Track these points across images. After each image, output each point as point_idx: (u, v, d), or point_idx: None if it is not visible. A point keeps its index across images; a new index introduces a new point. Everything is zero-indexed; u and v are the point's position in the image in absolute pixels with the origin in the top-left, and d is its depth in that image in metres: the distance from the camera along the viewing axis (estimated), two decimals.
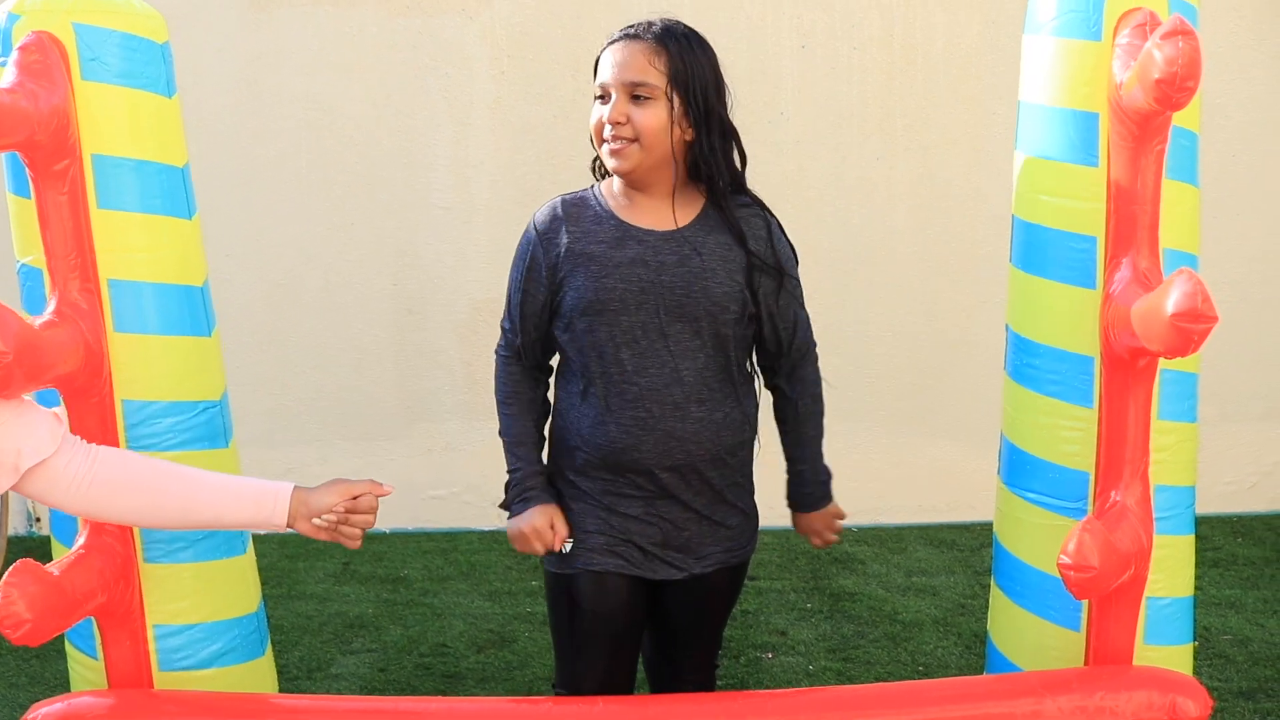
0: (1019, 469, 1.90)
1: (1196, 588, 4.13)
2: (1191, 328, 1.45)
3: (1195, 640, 1.94)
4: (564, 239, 2.00)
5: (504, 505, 2.19)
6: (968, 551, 4.46)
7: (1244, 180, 4.65)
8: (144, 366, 1.79)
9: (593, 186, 2.09)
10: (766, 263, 2.02)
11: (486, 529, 4.71)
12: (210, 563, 1.88)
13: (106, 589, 1.71)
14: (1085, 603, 1.81)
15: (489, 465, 4.69)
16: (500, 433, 2.22)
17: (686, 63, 1.94)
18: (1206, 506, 5.01)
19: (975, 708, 1.66)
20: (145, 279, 1.80)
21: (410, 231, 4.62)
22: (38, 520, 4.69)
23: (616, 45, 1.96)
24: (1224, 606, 4.06)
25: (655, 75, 1.91)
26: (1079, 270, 1.75)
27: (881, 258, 4.60)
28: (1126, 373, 1.67)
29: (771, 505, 4.86)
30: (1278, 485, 5.11)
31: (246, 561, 1.98)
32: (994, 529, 2.01)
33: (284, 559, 4.45)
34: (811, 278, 4.70)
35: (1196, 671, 3.40)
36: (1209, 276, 1.58)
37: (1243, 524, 4.92)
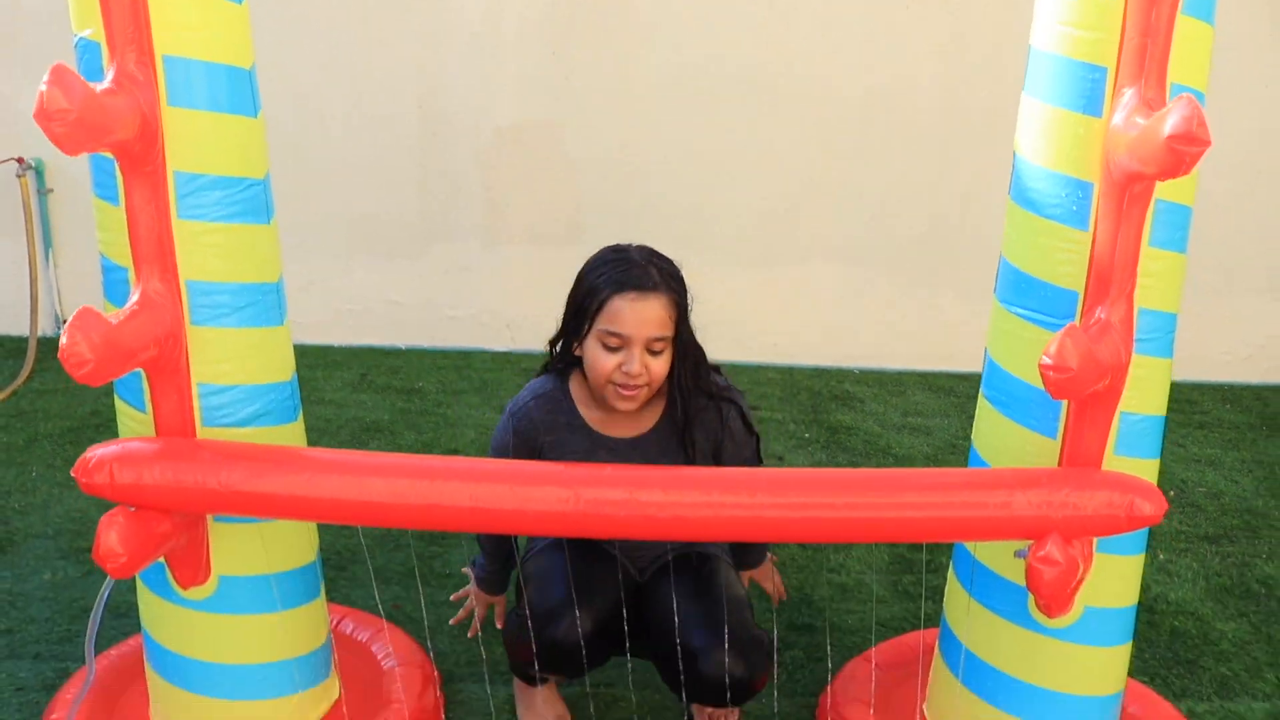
0: (1014, 287, 2.01)
1: (1178, 444, 4.31)
2: (1185, 149, 1.54)
3: (1160, 457, 2.07)
4: (542, 440, 2.27)
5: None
6: (964, 398, 4.62)
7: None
8: (194, 140, 1.89)
9: (560, 383, 2.30)
10: (709, 454, 2.31)
11: (500, 349, 4.88)
12: (252, 329, 2.01)
13: (158, 343, 1.84)
14: (1063, 412, 1.94)
15: (505, 287, 4.84)
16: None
17: (683, 306, 2.17)
18: (1199, 374, 5.18)
19: (951, 495, 1.81)
20: (197, 56, 1.88)
21: (439, 55, 4.65)
22: (64, 322, 4.84)
23: (633, 300, 2.09)
24: (1203, 464, 4.23)
25: (671, 327, 2.13)
26: (1088, 99, 1.83)
27: (901, 106, 4.64)
28: (1121, 196, 1.76)
29: (775, 343, 5.01)
30: (1271, 358, 5.23)
31: (284, 333, 2.11)
32: (986, 345, 2.13)
33: (303, 368, 4.60)
34: (829, 125, 4.78)
35: (1169, 517, 3.58)
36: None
37: (1232, 392, 5.07)
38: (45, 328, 4.81)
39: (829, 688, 2.56)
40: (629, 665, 2.46)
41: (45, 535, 3.25)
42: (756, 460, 2.42)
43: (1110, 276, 1.79)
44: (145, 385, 1.96)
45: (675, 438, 2.24)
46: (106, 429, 3.80)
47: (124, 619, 2.76)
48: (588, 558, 2.30)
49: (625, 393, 2.13)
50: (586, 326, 2.14)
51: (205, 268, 1.94)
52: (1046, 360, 1.68)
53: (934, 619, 2.91)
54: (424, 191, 4.81)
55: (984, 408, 2.14)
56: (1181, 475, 4.12)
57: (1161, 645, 2.93)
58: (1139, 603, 3.05)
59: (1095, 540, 1.98)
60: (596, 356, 2.13)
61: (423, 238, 4.88)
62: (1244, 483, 4.06)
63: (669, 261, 2.19)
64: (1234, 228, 4.86)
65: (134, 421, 2.05)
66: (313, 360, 4.72)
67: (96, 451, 1.85)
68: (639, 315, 2.08)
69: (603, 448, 2.25)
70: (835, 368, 4.89)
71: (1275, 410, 4.88)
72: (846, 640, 2.85)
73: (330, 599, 2.87)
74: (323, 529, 3.30)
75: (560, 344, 2.25)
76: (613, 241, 2.23)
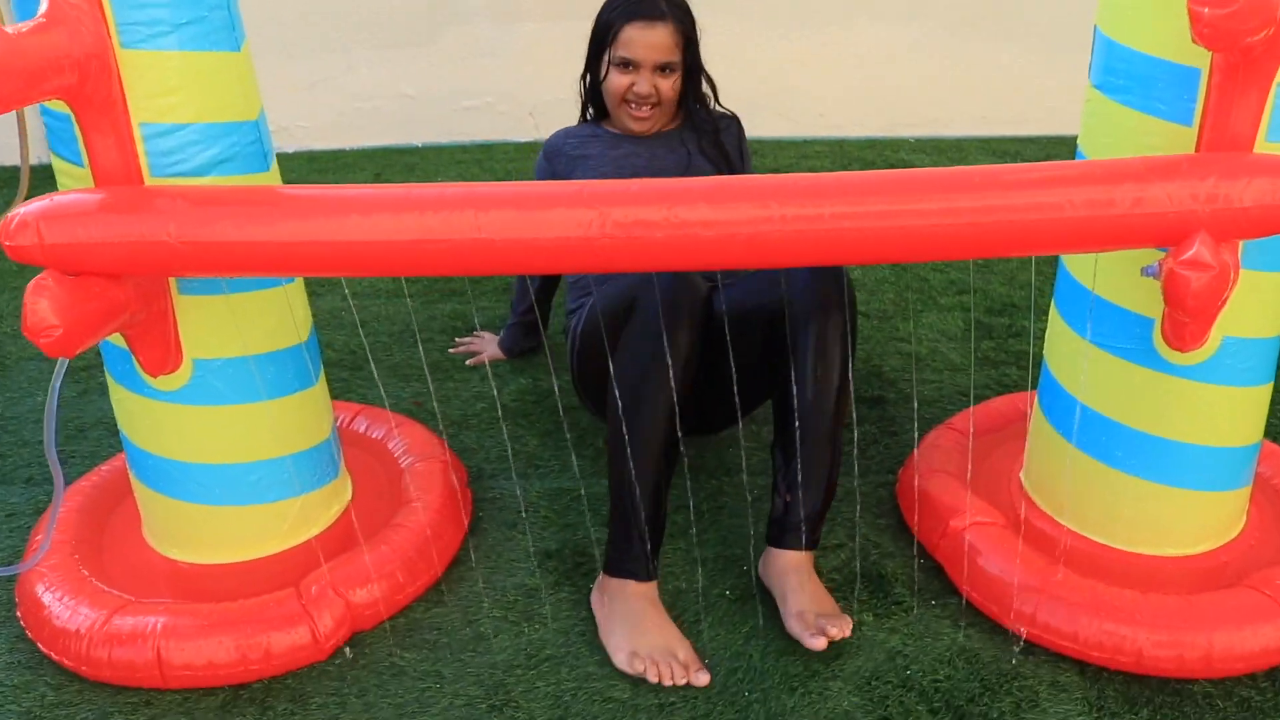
0: None
1: None
2: None
3: None
4: (565, 147, 2.40)
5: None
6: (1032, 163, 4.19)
7: None
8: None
9: (590, 124, 2.46)
10: (733, 160, 2.40)
11: (523, 140, 4.47)
12: (200, 53, 1.65)
13: (77, 67, 1.49)
14: (1201, 88, 1.55)
15: (524, 71, 4.41)
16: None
17: (690, 35, 2.29)
18: None
19: (1071, 191, 1.43)
20: None
21: None
22: None
23: (642, 28, 2.24)
24: None
25: (678, 52, 2.28)
26: None
27: None
28: None
29: (821, 113, 4.57)
30: None
31: (243, 60, 1.74)
32: (1095, 18, 1.73)
33: (314, 173, 4.26)
34: None
35: None
36: None
37: None
38: (38, 154, 4.48)
39: (910, 460, 2.24)
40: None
41: (38, 358, 2.96)
42: None
43: None
44: (78, 131, 1.61)
45: (703, 133, 2.38)
46: None
47: (113, 439, 2.50)
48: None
49: (637, 113, 2.31)
50: (605, 58, 2.31)
51: None
52: None
53: (1020, 385, 2.59)
54: None
55: (1095, 100, 1.75)
56: None
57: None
58: None
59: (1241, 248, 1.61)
60: (611, 80, 2.31)
61: (430, 22, 4.43)
62: None
63: None
64: None
65: (72, 180, 1.72)
66: (323, 165, 4.36)
67: (21, 210, 1.53)
68: (647, 40, 2.25)
69: (627, 141, 2.37)
70: (888, 138, 4.46)
71: None
72: (924, 412, 2.53)
73: (345, 399, 2.59)
74: (334, 328, 3.03)
75: (587, 80, 2.41)
76: None
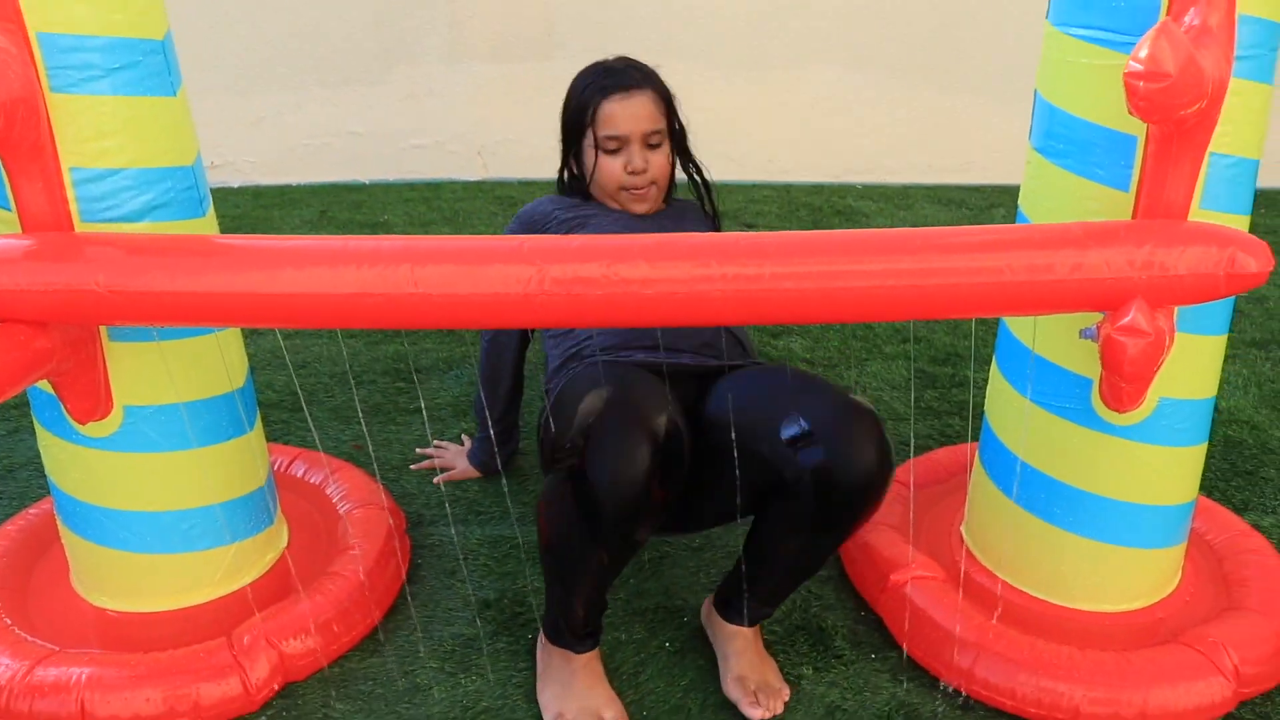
0: (1075, 3, 1.62)
1: None
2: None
3: (1252, 214, 1.71)
4: (552, 212, 2.18)
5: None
6: (977, 211, 4.26)
7: None
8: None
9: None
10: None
11: (471, 179, 4.46)
12: (135, 98, 1.62)
13: (3, 112, 1.45)
14: (1137, 155, 1.57)
15: (473, 111, 4.40)
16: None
17: (668, 100, 2.17)
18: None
19: (1009, 256, 1.44)
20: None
21: None
22: None
23: (621, 100, 2.10)
24: None
25: (662, 120, 2.14)
26: None
27: None
28: None
29: (770, 158, 4.61)
30: None
31: (178, 105, 1.72)
32: (1036, 83, 1.75)
33: (259, 209, 4.22)
34: None
35: None
36: None
37: (1265, 197, 4.69)
38: None
39: None
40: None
41: None
42: None
43: None
44: (4, 176, 1.58)
45: (696, 212, 2.28)
46: None
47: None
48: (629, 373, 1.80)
49: (637, 193, 2.15)
50: (587, 140, 2.15)
51: (65, 17, 1.53)
52: (1135, 67, 1.30)
53: (963, 435, 2.60)
54: (379, 6, 4.33)
55: (1035, 162, 1.77)
56: None
57: (1216, 455, 2.62)
58: None
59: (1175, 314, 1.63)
60: (603, 165, 2.14)
61: (380, 61, 4.42)
62: None
63: (645, 65, 2.21)
64: None
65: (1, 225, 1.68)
66: (268, 201, 4.33)
67: None
68: (630, 112, 2.11)
69: (616, 214, 2.17)
70: (836, 184, 4.50)
71: None
72: None
73: (284, 442, 2.55)
74: (275, 369, 2.98)
75: (566, 172, 2.27)
76: (589, 54, 2.24)
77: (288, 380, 2.90)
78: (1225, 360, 3.06)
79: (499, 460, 2.42)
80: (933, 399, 2.85)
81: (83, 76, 1.56)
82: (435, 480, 2.46)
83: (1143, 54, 1.30)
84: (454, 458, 2.51)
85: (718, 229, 2.30)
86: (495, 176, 4.45)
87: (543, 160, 4.39)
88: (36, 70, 1.52)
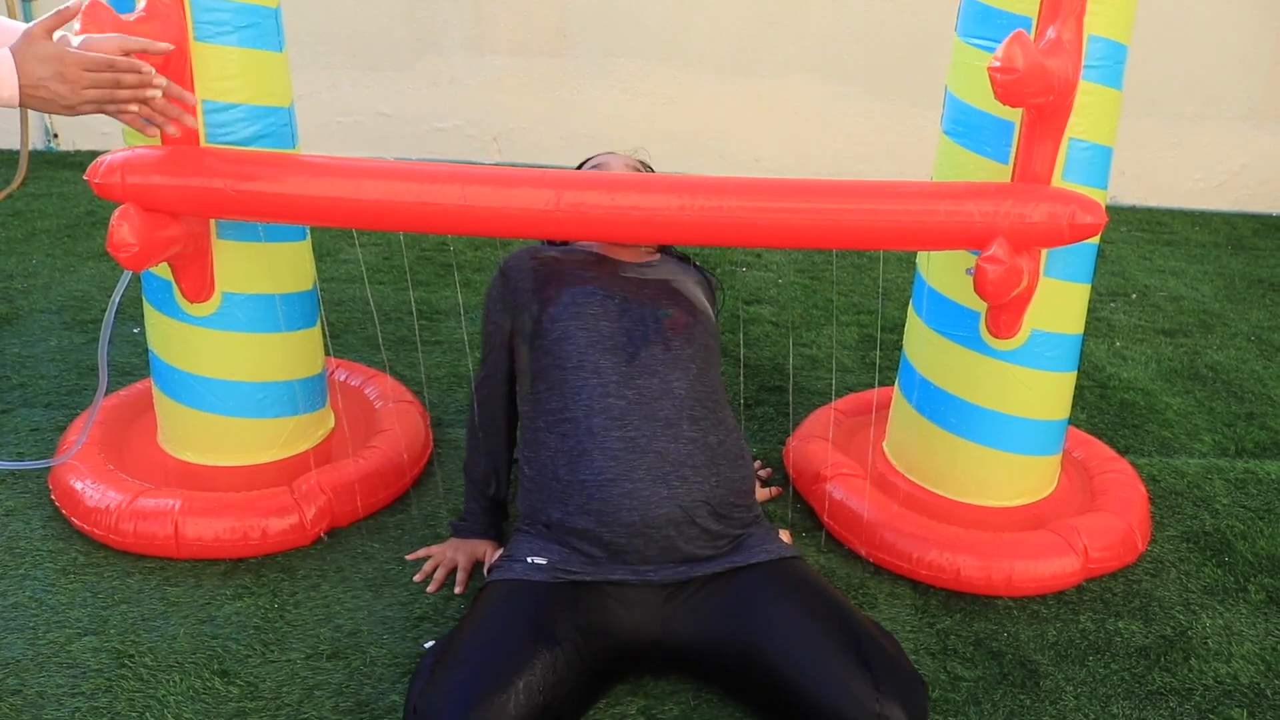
0: (974, 19, 2.12)
1: (1145, 258, 4.45)
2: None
3: (1107, 189, 2.20)
4: (529, 265, 2.13)
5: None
6: None
7: None
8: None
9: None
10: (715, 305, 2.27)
11: (488, 161, 4.96)
12: (252, 50, 2.12)
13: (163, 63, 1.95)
14: (1014, 139, 2.07)
15: (491, 99, 4.91)
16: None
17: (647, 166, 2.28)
18: (1172, 200, 5.29)
19: (907, 202, 1.93)
20: None
21: None
22: (55, 136, 4.90)
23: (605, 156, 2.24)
24: (1167, 273, 4.40)
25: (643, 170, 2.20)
26: None
27: None
28: None
29: (757, 157, 5.04)
30: (1243, 186, 5.35)
31: (282, 60, 2.21)
32: (946, 80, 2.25)
33: None
34: None
35: (1129, 312, 3.73)
36: None
37: (1203, 217, 5.21)
38: (35, 141, 4.87)
39: (795, 430, 2.73)
40: None
41: (49, 310, 3.38)
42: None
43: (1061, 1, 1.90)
44: None
45: (693, 273, 2.25)
46: (102, 225, 3.90)
47: (128, 376, 2.92)
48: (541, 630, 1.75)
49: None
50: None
51: None
52: (995, 63, 1.79)
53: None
54: (411, 3, 4.84)
55: (943, 143, 2.27)
56: (1145, 281, 4.28)
57: (1110, 413, 3.11)
58: (1092, 381, 3.23)
59: (1044, 261, 2.12)
60: None
61: (409, 49, 4.93)
62: (1204, 289, 4.23)
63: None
64: (1210, 52, 4.94)
65: (140, 140, 2.16)
66: None
67: (108, 157, 1.97)
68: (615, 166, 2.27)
69: (606, 260, 2.16)
70: None
71: (1242, 233, 5.03)
72: (814, 400, 3.02)
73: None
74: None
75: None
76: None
77: (326, 313, 3.39)
78: (1133, 343, 3.57)
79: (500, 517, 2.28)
80: (880, 358, 3.34)
81: (218, 30, 2.05)
82: (456, 590, 2.18)
83: (1000, 54, 1.79)
84: (449, 550, 2.24)
85: (713, 291, 2.30)
86: (508, 160, 4.94)
87: (550, 147, 4.91)
88: (186, 20, 2.01)
